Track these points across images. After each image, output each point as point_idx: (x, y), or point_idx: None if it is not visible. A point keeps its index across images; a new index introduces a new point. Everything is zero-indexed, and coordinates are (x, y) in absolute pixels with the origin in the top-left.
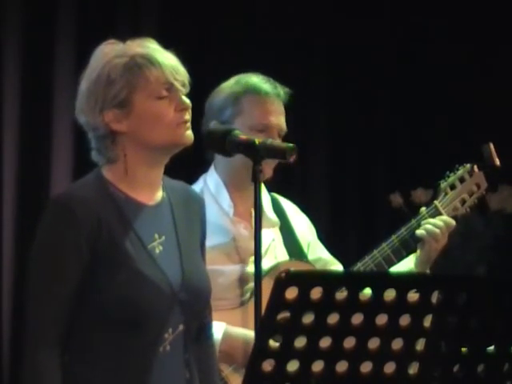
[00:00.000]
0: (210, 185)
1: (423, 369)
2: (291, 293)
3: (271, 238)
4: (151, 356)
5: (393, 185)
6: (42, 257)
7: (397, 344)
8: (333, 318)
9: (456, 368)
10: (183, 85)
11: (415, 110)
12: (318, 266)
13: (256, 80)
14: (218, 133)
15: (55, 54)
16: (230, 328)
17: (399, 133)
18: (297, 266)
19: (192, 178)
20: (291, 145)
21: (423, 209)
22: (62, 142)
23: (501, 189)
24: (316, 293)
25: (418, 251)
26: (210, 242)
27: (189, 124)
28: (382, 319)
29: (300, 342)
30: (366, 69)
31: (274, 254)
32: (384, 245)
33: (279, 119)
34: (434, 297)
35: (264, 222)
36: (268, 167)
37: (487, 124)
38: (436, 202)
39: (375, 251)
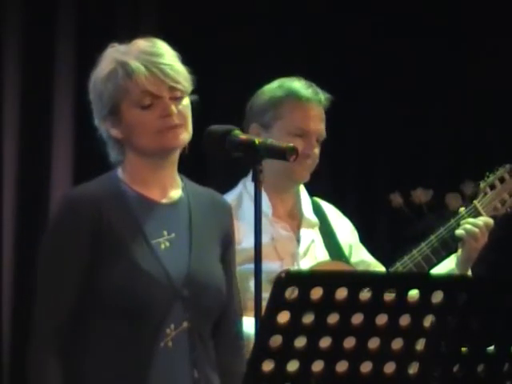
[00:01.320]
0: (250, 187)
1: (423, 369)
2: (291, 293)
3: (311, 238)
4: (151, 350)
5: (393, 185)
6: (46, 251)
7: (397, 344)
8: (333, 318)
9: (456, 368)
10: (171, 88)
11: (415, 110)
12: (361, 268)
13: (298, 85)
14: (218, 133)
15: (55, 54)
16: None
17: (399, 133)
18: (336, 267)
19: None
20: (291, 145)
21: (462, 209)
22: (61, 142)
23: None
24: (316, 293)
25: (459, 251)
26: (249, 241)
27: (178, 128)
28: (381, 319)
29: (300, 341)
30: (366, 69)
31: (314, 254)
32: (423, 245)
33: (319, 125)
34: (434, 297)
35: (303, 223)
36: (305, 170)
37: (487, 124)
38: (475, 201)
39: (414, 251)
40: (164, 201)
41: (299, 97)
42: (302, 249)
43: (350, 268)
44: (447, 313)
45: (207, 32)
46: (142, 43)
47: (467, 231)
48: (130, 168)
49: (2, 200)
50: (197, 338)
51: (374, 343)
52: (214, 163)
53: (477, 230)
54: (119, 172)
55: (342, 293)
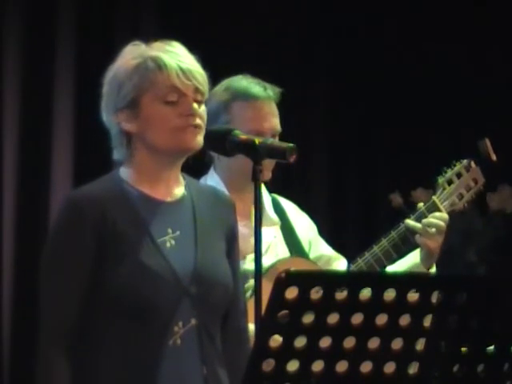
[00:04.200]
0: (211, 184)
1: (423, 369)
2: (291, 293)
3: (272, 235)
4: (160, 349)
5: (393, 185)
6: (51, 253)
7: (397, 344)
8: (333, 318)
9: (456, 368)
10: (195, 90)
11: (415, 110)
12: (321, 263)
13: (245, 84)
14: (218, 133)
15: (55, 54)
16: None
17: (399, 133)
18: (297, 263)
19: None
20: (291, 145)
21: (421, 204)
22: (62, 142)
23: (501, 189)
24: (316, 293)
25: (420, 249)
26: None
27: (198, 129)
28: (381, 319)
29: (300, 341)
30: (366, 69)
31: (276, 252)
32: (384, 240)
33: (271, 122)
34: (434, 297)
35: (265, 221)
36: (266, 169)
37: (486, 124)
38: (434, 197)
39: (375, 247)
40: (168, 199)
41: (247, 97)
42: (263, 246)
43: (310, 264)
44: (447, 313)
45: (207, 32)
46: (166, 45)
47: (422, 235)
48: (137, 165)
49: (2, 200)
50: (205, 335)
51: (373, 343)
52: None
53: (433, 229)
54: (121, 172)
55: (341, 293)
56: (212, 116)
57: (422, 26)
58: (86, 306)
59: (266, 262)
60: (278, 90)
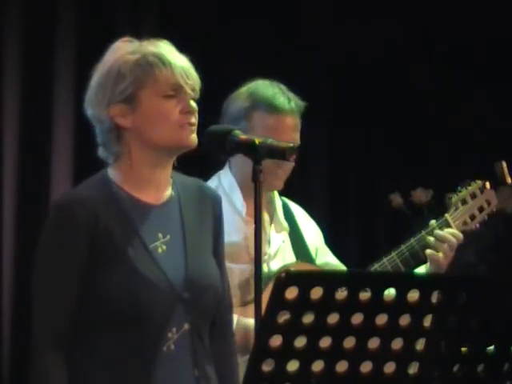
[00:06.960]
0: (224, 183)
1: (423, 369)
2: (291, 293)
3: (281, 240)
4: (154, 355)
5: (393, 185)
6: (43, 257)
7: (397, 344)
8: (333, 318)
9: (456, 368)
10: (193, 89)
11: (415, 110)
12: None
13: (270, 94)
14: (218, 133)
15: (55, 53)
16: (242, 318)
17: (399, 133)
18: (303, 268)
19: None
20: (291, 144)
21: (433, 221)
22: (62, 142)
23: (501, 189)
24: (316, 293)
25: (428, 264)
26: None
27: (194, 127)
28: (381, 319)
29: (300, 341)
30: (366, 69)
31: (283, 256)
32: (393, 254)
33: (291, 136)
34: (434, 297)
35: (275, 226)
36: (279, 179)
37: (486, 126)
38: (447, 215)
39: (384, 259)
40: (155, 202)
41: (269, 108)
42: (272, 250)
43: (316, 270)
44: (447, 313)
45: (207, 34)
46: (160, 42)
47: (435, 249)
48: (127, 164)
49: (2, 200)
50: (196, 338)
51: (373, 343)
52: (213, 163)
53: (445, 245)
54: (110, 172)
55: (341, 293)
56: (231, 119)
57: (422, 26)
58: (80, 312)
59: (274, 266)
60: (302, 103)
